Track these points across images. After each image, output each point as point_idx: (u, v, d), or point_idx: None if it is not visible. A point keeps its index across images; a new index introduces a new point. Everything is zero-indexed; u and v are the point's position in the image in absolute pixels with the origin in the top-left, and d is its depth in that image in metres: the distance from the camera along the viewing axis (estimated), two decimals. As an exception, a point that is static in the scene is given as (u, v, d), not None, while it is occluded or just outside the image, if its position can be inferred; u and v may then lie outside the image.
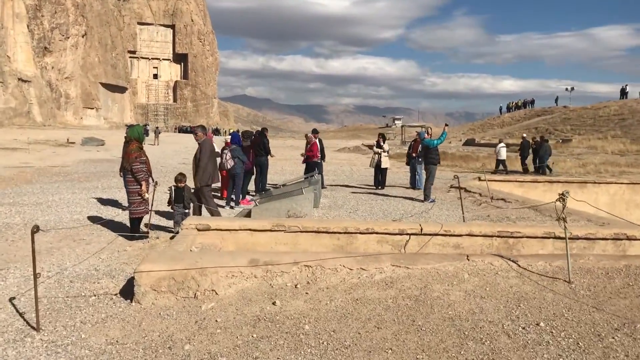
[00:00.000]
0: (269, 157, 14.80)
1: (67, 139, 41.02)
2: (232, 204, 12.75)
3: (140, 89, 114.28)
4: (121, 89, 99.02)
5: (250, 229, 8.10)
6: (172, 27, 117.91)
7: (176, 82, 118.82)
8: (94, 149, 37.83)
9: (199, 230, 8.03)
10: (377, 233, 8.16)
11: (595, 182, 16.61)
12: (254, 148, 13.87)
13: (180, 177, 9.18)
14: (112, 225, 9.97)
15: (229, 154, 12.69)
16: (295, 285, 5.21)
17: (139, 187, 8.62)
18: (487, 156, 35.87)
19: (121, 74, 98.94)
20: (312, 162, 15.90)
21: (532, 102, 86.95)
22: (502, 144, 27.30)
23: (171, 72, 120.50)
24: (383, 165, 16.38)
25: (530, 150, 27.95)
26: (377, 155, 16.38)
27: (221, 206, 12.01)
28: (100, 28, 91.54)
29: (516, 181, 16.64)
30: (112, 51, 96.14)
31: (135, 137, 8.71)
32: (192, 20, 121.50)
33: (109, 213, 11.40)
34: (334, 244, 8.21)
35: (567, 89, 77.70)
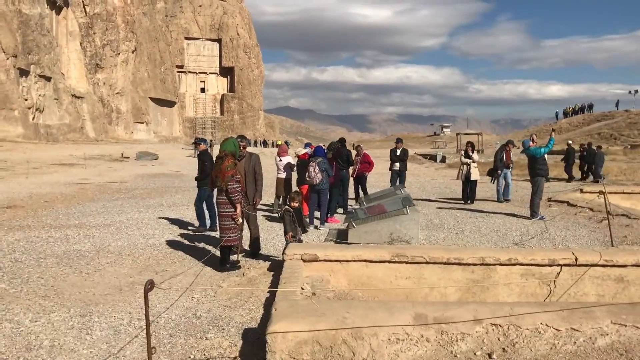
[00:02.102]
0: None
1: (122, 154, 40.75)
2: (317, 223, 11.45)
3: (188, 102, 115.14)
4: (170, 103, 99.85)
5: (365, 260, 6.76)
6: (219, 41, 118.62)
7: (223, 95, 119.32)
8: (148, 163, 37.38)
9: (304, 261, 6.74)
10: (521, 264, 6.70)
11: None
12: (336, 160, 12.56)
13: (295, 195, 7.82)
14: (194, 252, 8.79)
15: (316, 167, 11.41)
16: (489, 354, 3.81)
17: (232, 210, 7.39)
18: (555, 165, 33.61)
19: (170, 89, 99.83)
20: (364, 176, 14.66)
21: (591, 106, 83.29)
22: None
23: (218, 85, 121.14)
24: (473, 177, 14.85)
25: (578, 157, 26.37)
26: (465, 166, 14.86)
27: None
28: (149, 44, 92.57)
29: (623, 193, 14.86)
30: (161, 66, 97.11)
31: (231, 152, 7.49)
32: (238, 34, 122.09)
33: (185, 236, 10.26)
34: (467, 278, 6.79)
35: (630, 92, 73.99)
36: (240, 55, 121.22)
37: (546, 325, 3.93)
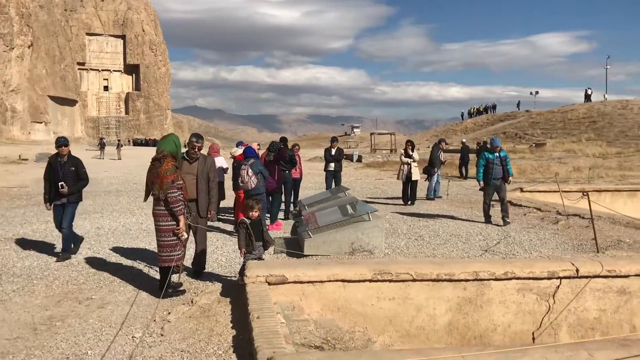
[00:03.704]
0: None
1: (19, 156, 37.32)
2: None
3: (91, 101, 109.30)
4: (71, 102, 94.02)
5: (343, 280, 5.69)
6: (123, 37, 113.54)
7: (128, 94, 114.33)
8: (50, 166, 34.33)
9: (270, 284, 5.57)
10: (517, 278, 5.87)
11: (647, 190, 14.83)
12: (278, 162, 11.37)
13: (254, 203, 6.46)
14: (122, 272, 7.36)
15: (249, 170, 10.13)
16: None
17: (174, 223, 6.07)
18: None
19: (70, 87, 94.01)
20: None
21: (494, 107, 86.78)
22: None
23: (122, 83, 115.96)
24: (414, 177, 14.14)
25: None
26: (406, 166, 14.11)
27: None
28: (47, 39, 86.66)
29: (563, 191, 14.68)
30: (61, 63, 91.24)
31: (172, 153, 6.14)
32: (144, 30, 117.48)
33: (107, 252, 8.74)
34: (458, 296, 5.88)
35: (531, 93, 77.76)
36: (146, 53, 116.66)
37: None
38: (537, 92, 76.77)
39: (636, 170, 30.39)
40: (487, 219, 11.38)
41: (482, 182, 11.26)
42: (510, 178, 11.57)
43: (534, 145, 52.85)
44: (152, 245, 9.23)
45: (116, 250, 8.91)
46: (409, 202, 14.32)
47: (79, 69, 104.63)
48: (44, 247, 9.09)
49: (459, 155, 28.96)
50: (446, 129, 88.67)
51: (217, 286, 6.38)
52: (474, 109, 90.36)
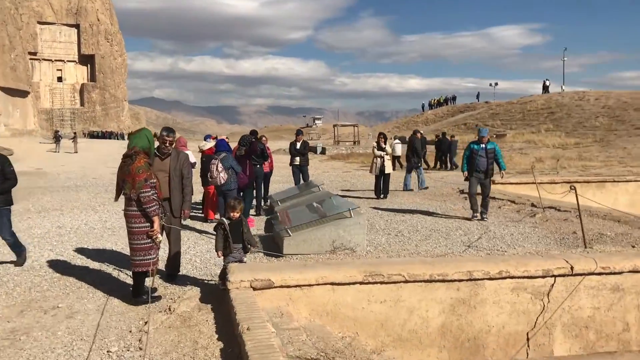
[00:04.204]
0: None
1: (-31, 150, 35.70)
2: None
3: (44, 92, 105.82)
4: (22, 93, 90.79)
5: (332, 283, 5.36)
6: (77, 26, 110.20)
7: (83, 84, 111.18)
8: (2, 160, 32.90)
9: (255, 289, 5.20)
10: (512, 277, 5.66)
11: (615, 181, 14.96)
12: (249, 157, 10.92)
13: (236, 203, 6.02)
14: (90, 277, 6.86)
15: (220, 165, 9.70)
16: None
17: (147, 224, 5.62)
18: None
19: (22, 77, 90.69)
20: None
21: (454, 98, 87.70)
22: (396, 140, 28.64)
23: (77, 74, 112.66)
24: (387, 170, 13.89)
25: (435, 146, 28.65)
26: (379, 159, 13.85)
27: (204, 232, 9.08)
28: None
29: (533, 183, 14.69)
30: (11, 52, 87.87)
31: (144, 149, 5.68)
32: (99, 20, 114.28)
33: (71, 254, 8.20)
34: (452, 297, 5.63)
35: (491, 84, 78.82)
36: (102, 42, 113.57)
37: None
38: (496, 84, 77.92)
39: (595, 161, 30.99)
40: (474, 213, 10.86)
41: (466, 172, 10.87)
42: (503, 172, 11.31)
43: (494, 136, 53.50)
44: (119, 246, 8.74)
45: (81, 251, 8.38)
46: (382, 196, 14.09)
47: (30, 59, 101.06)
48: (0, 250, 8.48)
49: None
50: (407, 121, 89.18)
51: (195, 291, 5.97)
52: (434, 100, 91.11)
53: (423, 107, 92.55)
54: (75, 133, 54.34)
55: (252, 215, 11.17)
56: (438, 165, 27.54)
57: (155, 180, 5.67)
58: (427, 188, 16.01)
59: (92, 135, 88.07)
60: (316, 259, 7.05)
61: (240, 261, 5.94)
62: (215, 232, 5.96)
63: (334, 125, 63.11)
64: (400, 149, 27.04)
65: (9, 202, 7.66)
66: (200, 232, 9.93)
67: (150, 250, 5.69)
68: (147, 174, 5.54)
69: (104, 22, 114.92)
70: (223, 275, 5.90)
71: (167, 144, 6.53)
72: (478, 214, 10.80)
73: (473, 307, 5.65)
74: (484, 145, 10.72)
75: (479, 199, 10.84)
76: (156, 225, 5.62)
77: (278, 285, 5.25)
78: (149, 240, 5.66)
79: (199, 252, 8.23)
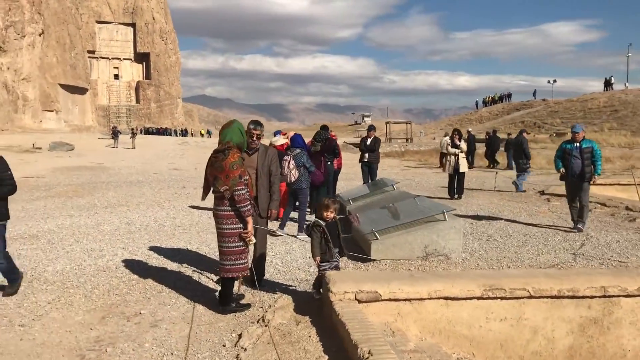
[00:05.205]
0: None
1: (33, 144, 36.52)
2: (284, 229, 9.29)
3: (101, 90, 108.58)
4: (81, 90, 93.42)
5: (446, 297, 4.73)
6: (133, 25, 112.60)
7: (138, 82, 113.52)
8: (64, 154, 33.54)
9: (360, 301, 4.63)
10: (654, 294, 4.89)
11: None
12: (323, 153, 10.38)
13: (330, 202, 5.38)
14: (169, 279, 6.43)
15: (292, 162, 9.18)
16: None
17: (240, 226, 5.12)
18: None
19: (81, 75, 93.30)
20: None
21: (509, 95, 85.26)
22: (446, 138, 27.15)
23: (133, 72, 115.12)
24: (461, 169, 13.13)
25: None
26: (453, 157, 13.10)
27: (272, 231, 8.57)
28: (58, 27, 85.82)
29: (618, 184, 13.69)
30: (71, 51, 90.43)
31: (238, 143, 5.18)
32: (154, 19, 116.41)
33: (145, 254, 7.82)
34: (581, 316, 4.91)
35: (549, 82, 76.25)
36: (156, 41, 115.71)
37: None
38: (554, 81, 75.26)
39: (669, 161, 29.22)
40: (575, 225, 9.42)
41: (562, 170, 9.43)
42: (595, 177, 9.38)
43: (554, 134, 51.57)
44: (193, 245, 8.34)
45: (155, 250, 7.99)
46: (456, 196, 13.32)
47: (89, 57, 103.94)
48: (73, 246, 8.21)
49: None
50: (460, 118, 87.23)
51: (287, 299, 5.43)
52: (489, 97, 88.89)
53: (477, 105, 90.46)
54: (133, 129, 55.22)
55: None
56: (489, 164, 26.79)
57: (248, 178, 5.16)
58: (524, 191, 14.73)
59: (147, 132, 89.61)
60: (425, 270, 6.41)
61: (337, 268, 5.37)
62: (310, 236, 5.39)
63: (387, 123, 62.16)
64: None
65: (4, 215, 5.79)
66: (271, 231, 9.45)
67: (241, 255, 5.18)
68: (241, 170, 5.03)
69: (159, 20, 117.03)
70: (319, 284, 5.36)
71: (255, 138, 6.01)
72: (578, 226, 9.38)
73: (606, 328, 4.93)
74: (578, 144, 9.31)
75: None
76: (250, 227, 5.11)
77: (386, 298, 4.66)
78: (241, 243, 5.16)
79: (278, 253, 7.74)
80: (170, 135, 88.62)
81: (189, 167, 25.56)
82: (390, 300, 4.68)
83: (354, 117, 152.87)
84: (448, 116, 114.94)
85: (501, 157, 26.87)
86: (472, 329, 4.79)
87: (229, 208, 5.09)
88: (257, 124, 6.18)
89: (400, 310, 4.71)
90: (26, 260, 7.33)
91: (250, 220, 5.12)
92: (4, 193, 5.66)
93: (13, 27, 70.84)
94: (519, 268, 6.69)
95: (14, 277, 5.94)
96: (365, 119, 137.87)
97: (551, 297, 4.81)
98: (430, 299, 4.71)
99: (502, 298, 4.77)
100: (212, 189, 5.25)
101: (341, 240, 5.38)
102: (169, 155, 35.88)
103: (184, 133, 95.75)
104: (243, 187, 5.03)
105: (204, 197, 5.60)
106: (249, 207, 5.09)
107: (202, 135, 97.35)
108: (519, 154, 15.44)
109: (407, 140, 55.05)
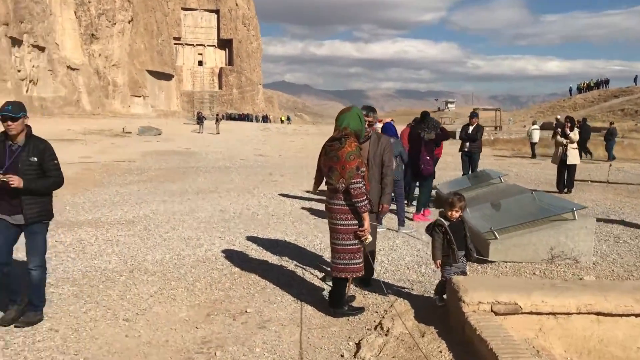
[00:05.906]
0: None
1: (123, 129, 37.82)
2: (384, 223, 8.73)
3: (186, 76, 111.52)
4: (167, 77, 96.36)
5: (598, 313, 4.06)
6: (217, 12, 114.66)
7: (221, 68, 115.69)
8: (153, 139, 34.47)
9: (497, 313, 4.04)
10: None
11: None
12: (436, 142, 9.75)
13: (455, 199, 4.77)
14: (272, 273, 6.07)
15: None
16: None
17: (355, 222, 4.64)
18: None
19: (167, 61, 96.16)
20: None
21: (607, 82, 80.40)
22: (535, 126, 26.23)
23: (216, 58, 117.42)
24: (571, 161, 12.11)
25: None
26: (562, 147, 12.10)
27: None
28: (146, 14, 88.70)
29: None
30: (158, 37, 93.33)
31: (356, 130, 4.69)
32: (237, 5, 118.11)
33: (243, 244, 7.52)
34: None
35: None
36: (239, 27, 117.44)
37: None
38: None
39: None
40: None
41: None
42: None
43: (657, 126, 48.13)
44: (290, 237, 7.99)
45: (252, 240, 7.70)
46: (565, 190, 12.31)
47: (174, 43, 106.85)
48: (170, 234, 8.05)
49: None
50: (552, 105, 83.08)
51: (404, 305, 4.93)
52: (584, 83, 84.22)
53: (570, 91, 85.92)
54: (217, 115, 56.25)
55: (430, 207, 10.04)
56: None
57: (364, 170, 4.66)
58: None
59: (230, 117, 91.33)
60: (570, 280, 5.72)
61: (464, 273, 4.80)
62: (431, 236, 4.84)
63: (474, 109, 60.06)
64: (537, 136, 25.57)
65: (48, 213, 4.70)
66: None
67: (356, 254, 4.71)
68: (359, 160, 4.54)
69: (242, 7, 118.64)
70: (442, 289, 4.81)
71: (367, 126, 5.49)
72: None
73: None
74: None
75: None
76: (366, 224, 4.62)
77: (527, 311, 4.05)
78: (357, 240, 4.69)
79: (382, 249, 7.23)
80: (252, 121, 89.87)
81: (272, 154, 25.51)
82: (531, 313, 4.07)
83: (437, 104, 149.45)
84: (536, 103, 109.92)
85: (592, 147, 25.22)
86: (627, 350, 4.11)
87: (344, 202, 4.62)
88: (370, 109, 5.66)
89: (542, 325, 4.10)
90: (125, 248, 7.21)
91: (366, 216, 4.63)
92: (50, 186, 4.55)
93: (105, 15, 73.79)
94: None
95: (39, 301, 4.65)
96: (449, 105, 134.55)
97: None
98: (579, 313, 4.06)
99: (667, 316, 4.05)
100: (326, 180, 4.79)
101: (468, 242, 4.79)
102: (252, 141, 36.12)
103: (265, 119, 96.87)
104: (360, 180, 4.54)
105: (315, 189, 5.16)
106: (366, 202, 4.59)
107: (282, 121, 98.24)
108: None
109: (495, 128, 52.97)
